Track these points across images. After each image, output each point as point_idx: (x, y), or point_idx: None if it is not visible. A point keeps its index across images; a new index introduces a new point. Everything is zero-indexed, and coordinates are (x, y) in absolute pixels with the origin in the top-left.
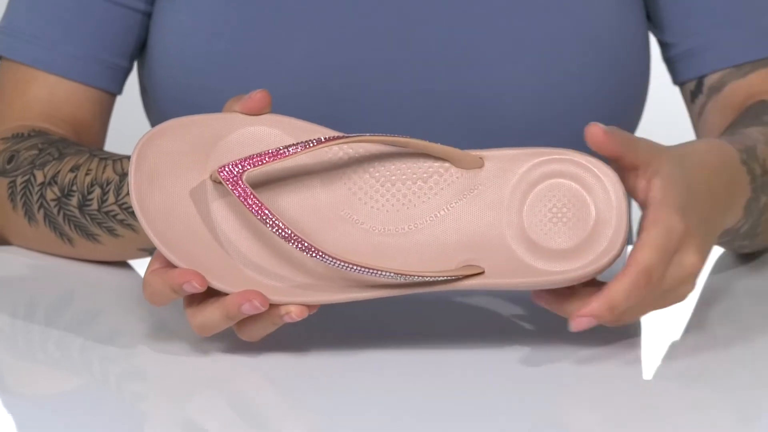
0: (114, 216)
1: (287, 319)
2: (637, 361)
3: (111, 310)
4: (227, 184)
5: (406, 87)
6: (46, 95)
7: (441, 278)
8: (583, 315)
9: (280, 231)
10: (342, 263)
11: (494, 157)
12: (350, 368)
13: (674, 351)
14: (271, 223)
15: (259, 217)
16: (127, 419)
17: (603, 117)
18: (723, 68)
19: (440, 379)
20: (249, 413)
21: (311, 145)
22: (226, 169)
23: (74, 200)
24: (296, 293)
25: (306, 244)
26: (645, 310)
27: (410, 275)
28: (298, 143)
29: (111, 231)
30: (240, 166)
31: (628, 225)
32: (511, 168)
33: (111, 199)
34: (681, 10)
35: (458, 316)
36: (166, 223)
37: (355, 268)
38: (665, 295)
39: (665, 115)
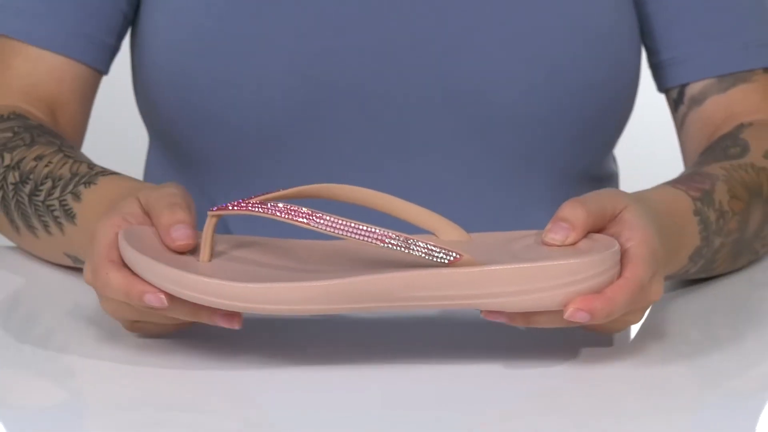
0: (52, 211)
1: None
2: (622, 370)
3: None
4: (238, 208)
5: (396, 74)
6: (27, 70)
7: (439, 253)
8: (582, 308)
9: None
10: (350, 226)
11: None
12: (342, 379)
13: (655, 357)
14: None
15: (286, 215)
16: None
17: (593, 109)
18: (704, 78)
19: (433, 389)
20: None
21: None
22: (227, 205)
23: (27, 188)
24: (304, 278)
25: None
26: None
27: (411, 239)
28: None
29: (46, 226)
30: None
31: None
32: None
33: (56, 193)
34: (665, 19)
35: (449, 330)
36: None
37: (362, 229)
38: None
39: (657, 117)
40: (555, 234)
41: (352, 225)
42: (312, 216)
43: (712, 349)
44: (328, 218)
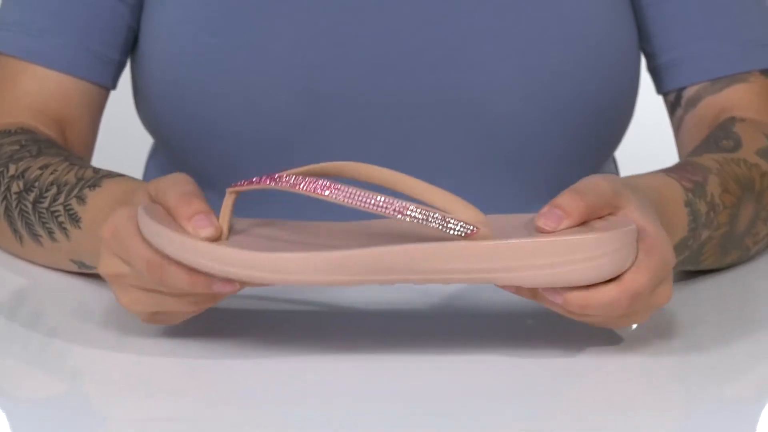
0: (57, 217)
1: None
2: (623, 364)
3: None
4: (261, 183)
5: (394, 85)
6: (35, 88)
7: (456, 226)
8: (557, 294)
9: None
10: (369, 195)
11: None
12: (345, 370)
13: (650, 354)
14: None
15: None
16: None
17: (592, 116)
18: (700, 81)
19: (437, 381)
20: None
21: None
22: (243, 182)
23: (32, 196)
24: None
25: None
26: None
27: (430, 212)
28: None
29: (50, 233)
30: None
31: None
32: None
33: (61, 199)
34: (662, 22)
35: (455, 318)
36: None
37: (381, 200)
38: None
39: (656, 118)
40: (547, 220)
41: (371, 196)
42: (331, 187)
43: (705, 353)
44: (346, 189)
